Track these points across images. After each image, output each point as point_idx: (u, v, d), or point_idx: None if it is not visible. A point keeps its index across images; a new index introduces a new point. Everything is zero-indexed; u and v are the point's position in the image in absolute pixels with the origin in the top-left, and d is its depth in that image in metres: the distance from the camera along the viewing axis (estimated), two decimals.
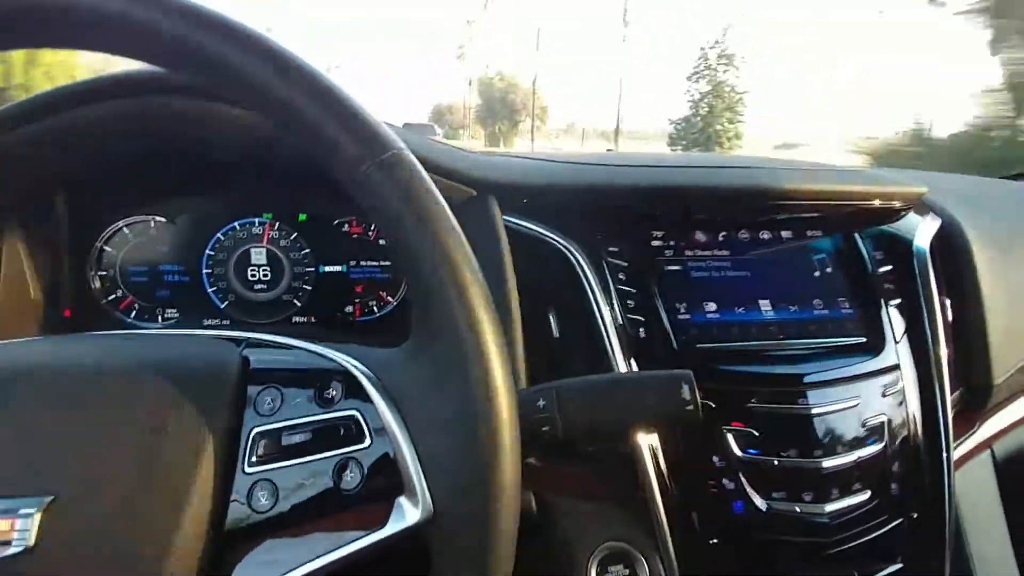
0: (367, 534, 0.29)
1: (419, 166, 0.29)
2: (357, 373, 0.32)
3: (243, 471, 0.30)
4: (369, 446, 0.31)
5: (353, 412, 0.31)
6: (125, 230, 0.62)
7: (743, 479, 0.52)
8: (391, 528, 0.29)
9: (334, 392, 0.32)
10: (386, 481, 0.30)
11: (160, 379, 0.30)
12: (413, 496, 0.29)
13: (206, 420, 0.30)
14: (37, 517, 0.26)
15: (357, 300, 0.67)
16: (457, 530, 0.28)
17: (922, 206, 0.68)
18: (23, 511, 0.26)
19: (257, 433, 0.31)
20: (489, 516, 0.28)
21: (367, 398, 0.31)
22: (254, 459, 0.30)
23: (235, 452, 0.30)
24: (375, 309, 0.67)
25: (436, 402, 0.29)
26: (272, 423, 0.31)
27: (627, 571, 0.50)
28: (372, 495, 0.30)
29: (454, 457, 0.28)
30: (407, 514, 0.29)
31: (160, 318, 0.64)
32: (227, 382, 0.32)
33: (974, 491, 0.65)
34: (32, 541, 0.25)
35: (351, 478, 0.30)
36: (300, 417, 0.31)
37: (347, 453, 0.31)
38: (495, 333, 0.29)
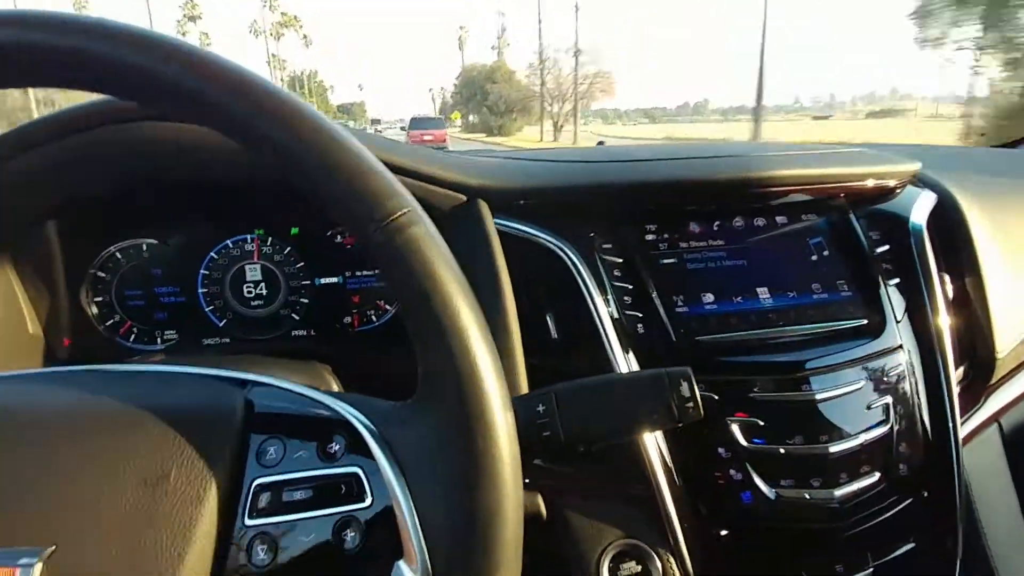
0: None
1: (430, 226, 0.29)
2: (360, 428, 0.31)
3: (243, 523, 0.29)
4: (370, 505, 0.30)
5: (355, 469, 0.31)
6: (118, 255, 0.62)
7: (750, 469, 0.51)
8: None
9: (336, 447, 0.31)
10: (385, 543, 0.29)
11: (163, 425, 0.30)
12: (412, 562, 0.28)
13: (209, 469, 0.29)
14: (38, 568, 0.25)
15: (355, 310, 0.67)
16: None
17: (917, 182, 0.68)
18: (24, 560, 0.25)
19: (258, 485, 0.30)
20: None
21: (369, 454, 0.31)
22: (255, 512, 0.30)
23: (235, 503, 0.30)
24: (374, 318, 0.67)
25: (438, 465, 0.29)
26: (274, 475, 0.31)
27: (639, 567, 0.50)
28: (371, 557, 0.30)
29: (454, 525, 0.28)
30: None
31: (160, 340, 0.64)
32: (231, 429, 0.31)
33: (983, 466, 0.65)
34: None
35: (351, 538, 0.30)
36: (302, 471, 0.31)
37: (347, 512, 0.30)
38: (502, 400, 0.28)
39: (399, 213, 0.28)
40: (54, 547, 0.26)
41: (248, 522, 0.29)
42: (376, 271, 0.67)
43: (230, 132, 0.28)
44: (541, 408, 0.37)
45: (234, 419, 0.32)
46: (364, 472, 0.31)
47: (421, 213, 0.29)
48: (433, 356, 0.28)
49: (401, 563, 0.29)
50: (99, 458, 0.29)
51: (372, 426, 0.31)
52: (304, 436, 0.32)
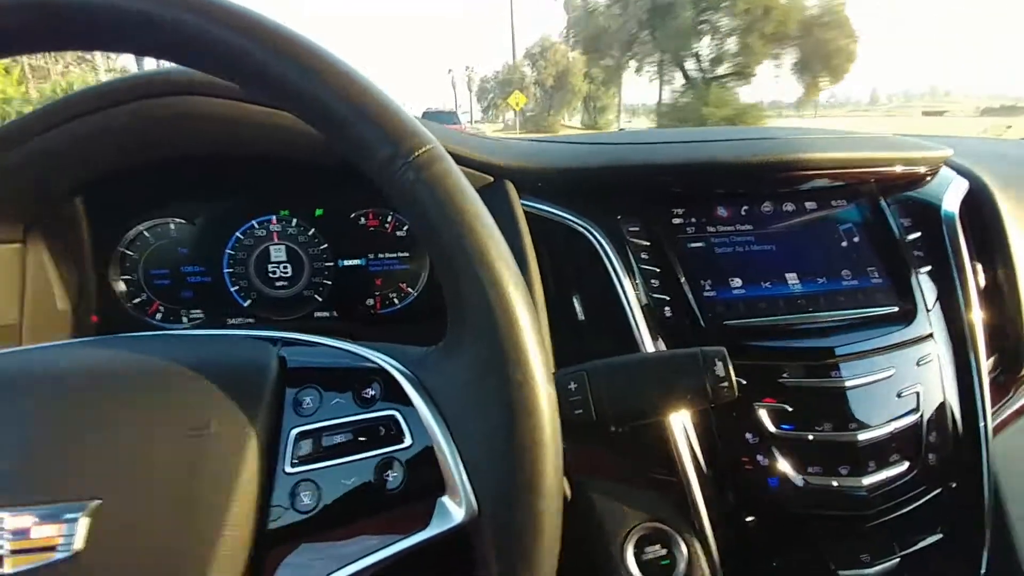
0: (411, 535, 0.29)
1: (452, 163, 0.29)
2: (395, 373, 0.31)
3: (284, 472, 0.30)
4: (410, 446, 0.30)
5: (392, 412, 0.31)
6: (146, 233, 0.63)
7: (777, 455, 0.51)
8: (434, 528, 0.29)
9: (373, 392, 0.32)
10: (428, 481, 0.29)
11: (200, 380, 0.30)
12: (456, 496, 0.29)
13: (247, 421, 0.30)
14: (84, 522, 0.26)
15: (377, 293, 0.67)
16: (502, 531, 0.28)
17: (949, 169, 0.67)
18: (68, 516, 0.26)
19: (298, 433, 0.31)
20: (534, 517, 0.27)
21: (406, 398, 0.31)
22: (296, 460, 0.30)
23: (276, 452, 0.30)
24: (396, 301, 0.67)
25: (476, 403, 0.29)
26: (312, 423, 0.31)
27: (664, 551, 0.49)
28: (414, 495, 0.30)
29: (496, 458, 0.28)
30: (451, 514, 0.29)
31: (185, 319, 0.65)
32: (266, 382, 0.31)
33: (1013, 458, 0.64)
34: (79, 546, 0.25)
35: (393, 478, 0.30)
36: (340, 417, 0.31)
37: (388, 453, 0.30)
38: (534, 332, 0.28)
39: (423, 149, 0.28)
40: (99, 501, 0.26)
41: (289, 469, 0.30)
42: (399, 255, 0.67)
43: (250, 82, 0.28)
44: (573, 386, 0.37)
45: (268, 372, 0.32)
46: (402, 414, 0.31)
47: (444, 151, 0.29)
48: (465, 291, 0.28)
49: (444, 498, 0.29)
50: (139, 413, 0.29)
51: (407, 370, 0.32)
52: (339, 385, 0.32)
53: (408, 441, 0.31)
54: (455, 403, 0.30)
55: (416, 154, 0.27)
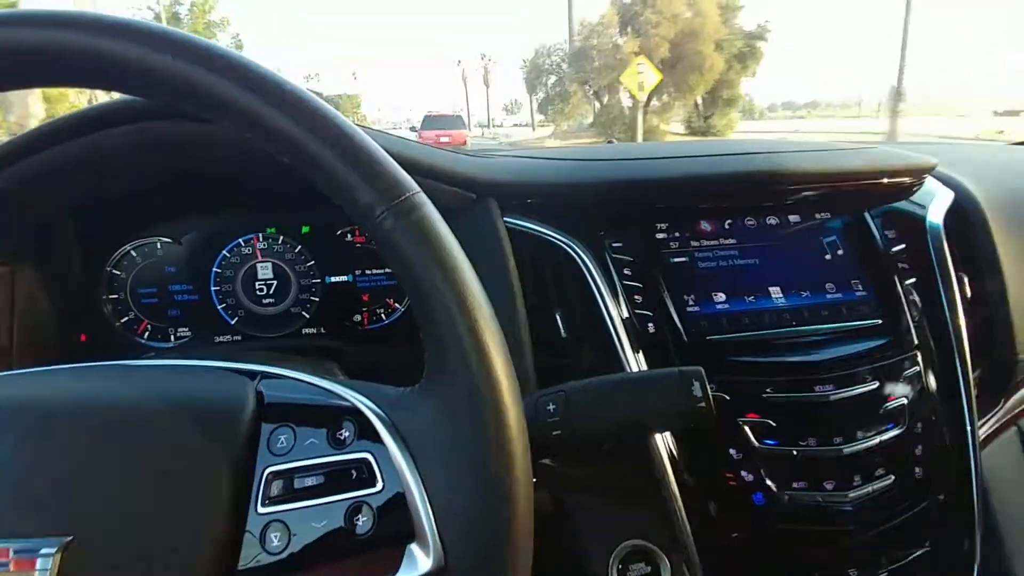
0: None
1: (431, 210, 0.29)
2: (369, 414, 0.31)
3: (256, 511, 0.30)
4: (381, 490, 0.30)
5: (365, 455, 0.31)
6: (133, 253, 0.63)
7: (762, 470, 0.51)
8: None
9: (347, 433, 0.32)
10: (397, 527, 0.29)
11: (177, 416, 0.30)
12: (424, 544, 0.29)
13: (221, 459, 0.30)
14: (56, 558, 0.26)
15: (365, 308, 0.67)
16: None
17: (934, 179, 0.67)
18: (44, 551, 0.26)
19: (270, 473, 0.30)
20: (501, 566, 0.27)
21: (379, 439, 0.31)
22: (267, 500, 0.30)
23: (248, 492, 0.30)
24: (383, 316, 0.67)
25: (448, 448, 0.29)
26: (285, 463, 0.31)
27: (648, 568, 0.49)
28: (384, 540, 0.30)
29: (465, 505, 0.28)
30: (418, 562, 0.29)
31: (173, 337, 0.65)
32: (242, 419, 0.31)
33: (1002, 470, 0.64)
34: None
35: (363, 522, 0.30)
36: (313, 458, 0.31)
37: (359, 497, 0.30)
38: (509, 381, 0.28)
39: (403, 197, 0.28)
40: (71, 538, 0.26)
41: (261, 510, 0.30)
42: (386, 271, 0.67)
43: (239, 125, 0.28)
44: (552, 407, 0.37)
45: (245, 410, 0.32)
46: (374, 457, 0.31)
47: (425, 198, 0.29)
48: (441, 339, 0.28)
49: (413, 546, 0.29)
50: (113, 450, 0.29)
51: (381, 412, 0.32)
52: (314, 424, 0.32)
53: (380, 485, 0.30)
54: (427, 448, 0.30)
55: (395, 201, 0.28)
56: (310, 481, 0.30)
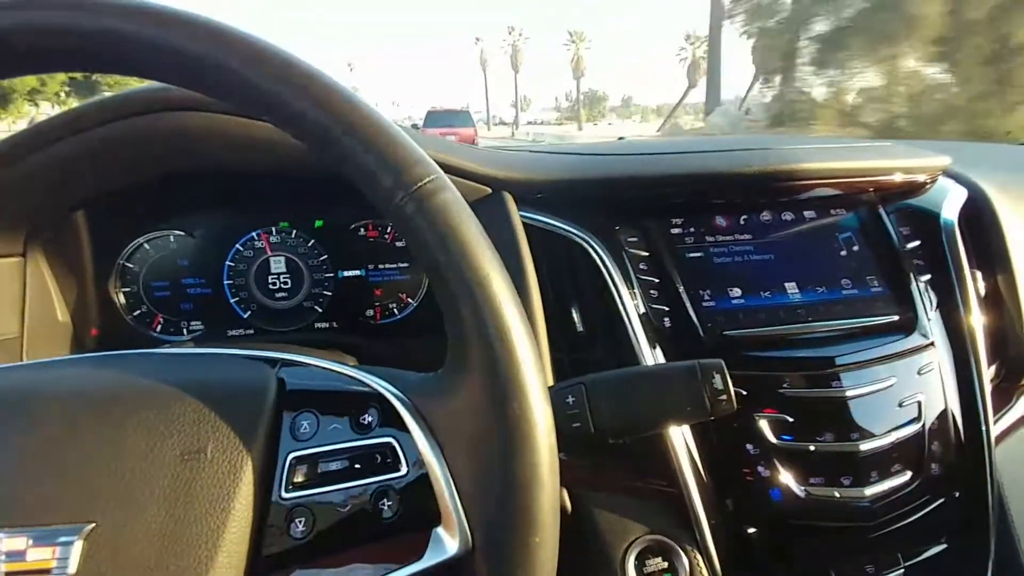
0: (405, 565, 0.29)
1: (454, 193, 0.28)
2: (393, 400, 0.31)
3: (280, 497, 0.30)
4: (406, 475, 0.30)
5: (389, 440, 0.31)
6: (146, 246, 0.63)
7: (779, 466, 0.51)
8: (428, 560, 0.29)
9: (370, 418, 0.31)
10: (423, 511, 0.29)
11: (198, 403, 0.30)
12: (451, 528, 0.29)
13: (244, 445, 0.29)
14: (78, 545, 0.25)
15: (377, 303, 0.67)
16: (496, 565, 0.28)
17: (948, 177, 0.67)
18: (63, 539, 0.25)
19: (294, 458, 0.30)
20: (529, 552, 0.27)
21: (403, 425, 0.30)
22: (291, 485, 0.30)
23: (272, 477, 0.30)
24: (396, 311, 0.67)
25: (473, 434, 0.29)
26: (309, 448, 0.31)
27: (665, 563, 0.49)
28: (409, 525, 0.30)
29: (492, 490, 0.28)
30: (445, 546, 0.29)
31: (185, 331, 0.65)
32: (264, 405, 0.31)
33: (1017, 467, 0.63)
34: (73, 570, 0.25)
35: (388, 507, 0.30)
36: (337, 443, 0.31)
37: (384, 481, 0.30)
38: (535, 366, 0.28)
39: (426, 180, 0.28)
40: (93, 524, 0.26)
41: (285, 495, 0.30)
42: (399, 265, 0.67)
43: (259, 110, 0.28)
44: (571, 399, 0.37)
45: (266, 396, 0.32)
46: (398, 442, 0.31)
47: (447, 181, 0.29)
48: (465, 322, 0.28)
49: (439, 529, 0.29)
50: (136, 435, 0.29)
51: (404, 397, 0.31)
52: (337, 410, 0.32)
53: (404, 470, 0.30)
54: (452, 433, 0.30)
55: (417, 185, 0.27)
56: (334, 466, 0.30)
